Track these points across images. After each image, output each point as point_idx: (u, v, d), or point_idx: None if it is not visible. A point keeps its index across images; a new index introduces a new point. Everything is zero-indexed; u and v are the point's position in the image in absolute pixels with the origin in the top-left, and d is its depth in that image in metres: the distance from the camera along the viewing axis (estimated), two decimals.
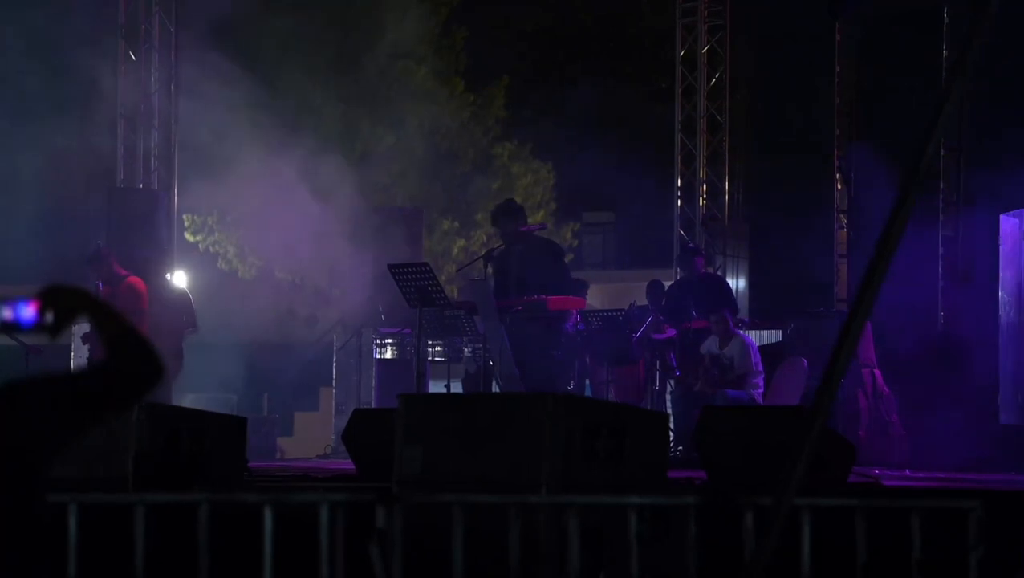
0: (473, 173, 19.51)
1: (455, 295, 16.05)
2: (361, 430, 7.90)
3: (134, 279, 11.94)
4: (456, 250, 18.94)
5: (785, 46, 14.28)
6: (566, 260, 10.67)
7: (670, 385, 12.64)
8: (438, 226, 18.70)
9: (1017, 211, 10.80)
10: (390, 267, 11.31)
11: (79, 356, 12.44)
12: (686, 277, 13.01)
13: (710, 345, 11.68)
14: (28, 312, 2.95)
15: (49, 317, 2.94)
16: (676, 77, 17.09)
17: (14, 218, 13.29)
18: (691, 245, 13.48)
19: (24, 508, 2.88)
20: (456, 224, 19.00)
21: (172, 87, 14.67)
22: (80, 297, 2.99)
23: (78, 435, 2.94)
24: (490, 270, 11.67)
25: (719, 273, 15.50)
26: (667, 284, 14.62)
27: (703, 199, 16.89)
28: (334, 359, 14.26)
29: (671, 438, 10.22)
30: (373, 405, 13.25)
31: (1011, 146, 11.00)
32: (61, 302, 2.96)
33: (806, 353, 11.79)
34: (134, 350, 2.98)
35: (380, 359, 13.65)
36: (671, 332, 12.35)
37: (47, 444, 2.90)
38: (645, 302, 13.34)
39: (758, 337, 12.34)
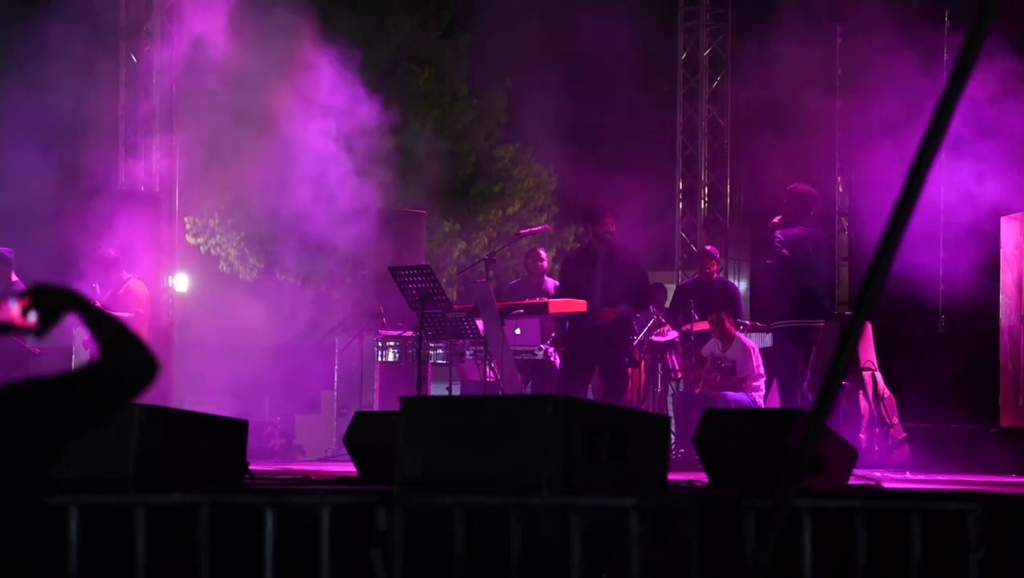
0: (475, 176, 19.51)
1: (455, 297, 16.05)
2: (362, 432, 7.90)
3: (136, 282, 11.99)
4: (457, 252, 18.92)
5: (786, 48, 14.28)
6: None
7: (671, 387, 12.64)
8: (439, 228, 18.69)
9: (1017, 214, 10.80)
10: (391, 269, 11.32)
11: (80, 359, 12.44)
12: (699, 279, 13.03)
13: (712, 347, 11.69)
14: (12, 312, 2.95)
15: (32, 317, 2.95)
16: (678, 80, 17.09)
17: (15, 220, 13.28)
18: (707, 248, 13.49)
19: (23, 513, 2.88)
20: (457, 227, 18.99)
21: (173, 88, 14.67)
22: (66, 297, 2.99)
23: (74, 436, 2.94)
24: (490, 273, 11.68)
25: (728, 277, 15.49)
26: (669, 287, 14.63)
27: (705, 202, 16.90)
28: (335, 361, 14.24)
29: (672, 440, 10.22)
30: (375, 408, 13.24)
31: (1011, 148, 11.00)
32: (46, 302, 2.97)
33: (806, 356, 11.78)
34: (126, 348, 2.98)
35: (382, 361, 13.64)
36: (672, 334, 12.35)
37: (42, 448, 2.90)
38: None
39: (759, 340, 12.33)
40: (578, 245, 11.17)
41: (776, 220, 10.87)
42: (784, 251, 10.17)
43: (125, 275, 11.97)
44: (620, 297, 10.55)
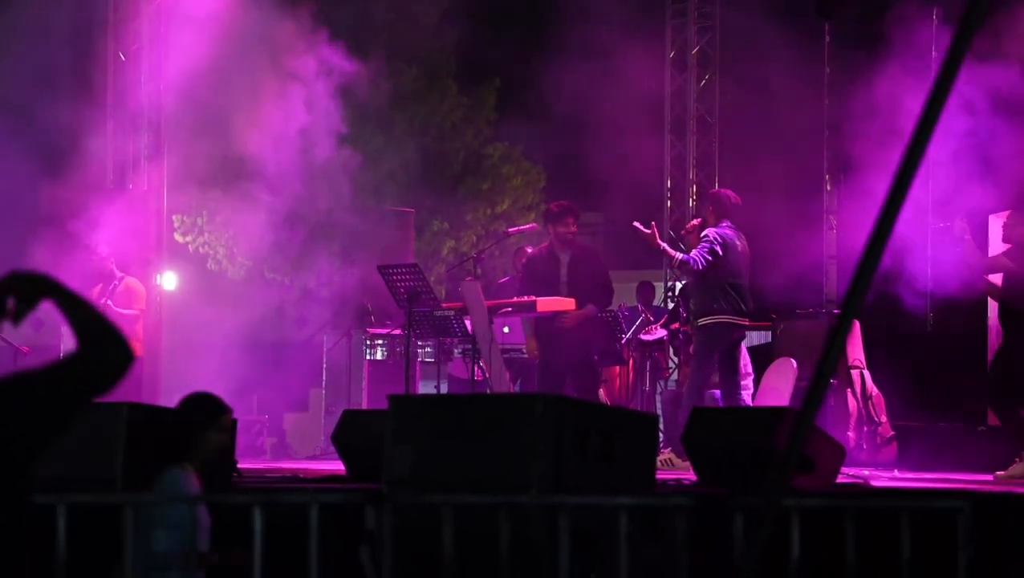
0: (463, 174, 19.49)
1: (443, 296, 16.04)
2: (351, 431, 7.90)
3: (132, 280, 11.99)
4: (446, 251, 18.91)
5: (774, 47, 14.30)
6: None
7: (660, 386, 12.65)
8: (428, 227, 18.68)
9: (1005, 212, 10.81)
10: (380, 268, 11.31)
11: None
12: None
13: None
14: None
15: (10, 304, 2.93)
16: (666, 78, 17.10)
17: (4, 219, 13.25)
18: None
19: (13, 511, 2.87)
20: (446, 225, 18.97)
21: (161, 86, 14.63)
22: (43, 284, 2.96)
23: (62, 430, 2.92)
24: (479, 271, 11.68)
25: None
26: (657, 285, 14.64)
27: (693, 200, 16.91)
28: (324, 360, 14.23)
29: (660, 439, 10.22)
30: (363, 406, 13.24)
31: (1001, 146, 11.02)
32: (23, 289, 2.94)
33: (795, 354, 11.81)
34: (102, 336, 2.95)
35: (370, 360, 13.64)
36: (660, 333, 12.36)
37: (34, 445, 2.89)
38: (635, 303, 13.36)
39: (747, 338, 12.34)
40: (542, 246, 11.11)
41: (695, 223, 10.90)
42: (718, 248, 10.21)
43: (118, 273, 11.96)
44: (585, 298, 10.51)
